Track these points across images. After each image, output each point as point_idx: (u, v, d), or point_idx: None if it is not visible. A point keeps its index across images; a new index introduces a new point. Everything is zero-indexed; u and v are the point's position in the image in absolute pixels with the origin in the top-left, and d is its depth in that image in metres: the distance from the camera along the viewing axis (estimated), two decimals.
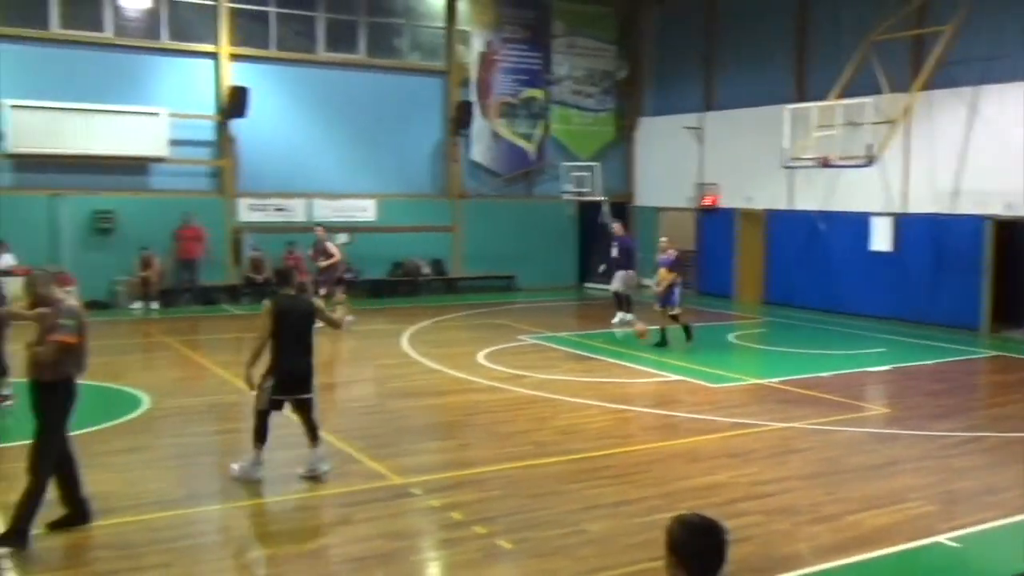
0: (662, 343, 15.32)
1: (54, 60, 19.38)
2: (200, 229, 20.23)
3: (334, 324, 9.05)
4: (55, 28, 19.41)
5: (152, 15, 20.47)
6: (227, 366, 13.41)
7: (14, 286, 13.42)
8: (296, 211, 22.03)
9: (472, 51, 23.86)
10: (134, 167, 20.23)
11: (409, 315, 19.21)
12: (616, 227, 18.70)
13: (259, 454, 8.04)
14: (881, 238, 19.28)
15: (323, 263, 17.74)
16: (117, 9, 20.11)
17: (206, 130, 21.05)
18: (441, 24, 23.65)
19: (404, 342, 15.79)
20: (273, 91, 21.48)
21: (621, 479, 8.29)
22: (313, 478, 8.01)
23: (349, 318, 16.21)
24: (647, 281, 25.36)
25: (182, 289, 20.28)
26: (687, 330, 15.54)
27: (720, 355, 15.40)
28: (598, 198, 24.14)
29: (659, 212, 25.21)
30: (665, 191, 24.85)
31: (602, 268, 19.66)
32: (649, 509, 7.43)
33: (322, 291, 16.74)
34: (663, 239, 16.42)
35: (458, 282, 23.91)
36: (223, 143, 21.12)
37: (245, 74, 21.02)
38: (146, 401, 10.99)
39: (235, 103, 20.49)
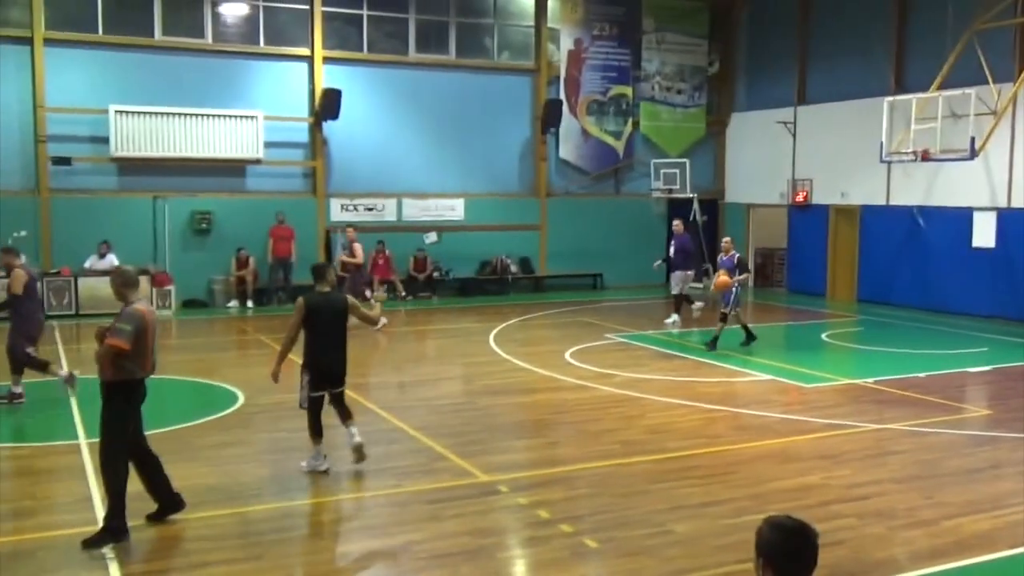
0: (747, 341, 14.97)
1: (156, 66, 20.07)
2: (292, 229, 20.68)
3: (369, 321, 9.15)
4: (158, 35, 20.10)
5: (249, 20, 21.03)
6: None
7: None
8: (386, 211, 22.35)
9: (561, 49, 23.84)
10: (231, 169, 20.82)
11: (497, 313, 19.31)
12: (676, 225, 18.47)
13: (319, 448, 8.27)
14: (983, 234, 18.57)
15: (344, 258, 17.90)
16: (216, 16, 20.73)
17: (299, 132, 21.53)
18: (530, 23, 23.69)
19: (492, 340, 15.87)
20: (364, 93, 21.84)
21: (709, 479, 8.18)
22: (358, 452, 8.15)
23: (383, 320, 16.15)
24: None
25: (275, 288, 20.76)
26: (747, 332, 14.96)
27: (812, 354, 15.06)
28: (687, 195, 23.85)
29: (750, 209, 24.79)
30: (756, 187, 24.42)
31: (657, 263, 19.47)
32: (737, 510, 7.31)
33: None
34: (726, 239, 15.92)
35: (545, 280, 23.92)
36: (316, 144, 21.56)
37: (337, 76, 21.41)
38: (241, 397, 11.28)
39: (328, 105, 20.89)
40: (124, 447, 6.61)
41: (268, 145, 20.80)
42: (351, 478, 8.30)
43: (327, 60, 21.46)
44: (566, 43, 23.83)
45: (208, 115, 20.21)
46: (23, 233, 18.62)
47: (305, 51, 21.32)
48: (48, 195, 19.28)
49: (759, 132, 24.16)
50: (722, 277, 14.65)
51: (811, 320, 18.93)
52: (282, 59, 21.22)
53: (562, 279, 24.03)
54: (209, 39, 20.59)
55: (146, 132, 19.70)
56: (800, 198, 22.68)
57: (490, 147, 23.37)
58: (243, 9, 21.00)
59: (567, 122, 23.84)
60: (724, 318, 14.69)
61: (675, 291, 17.85)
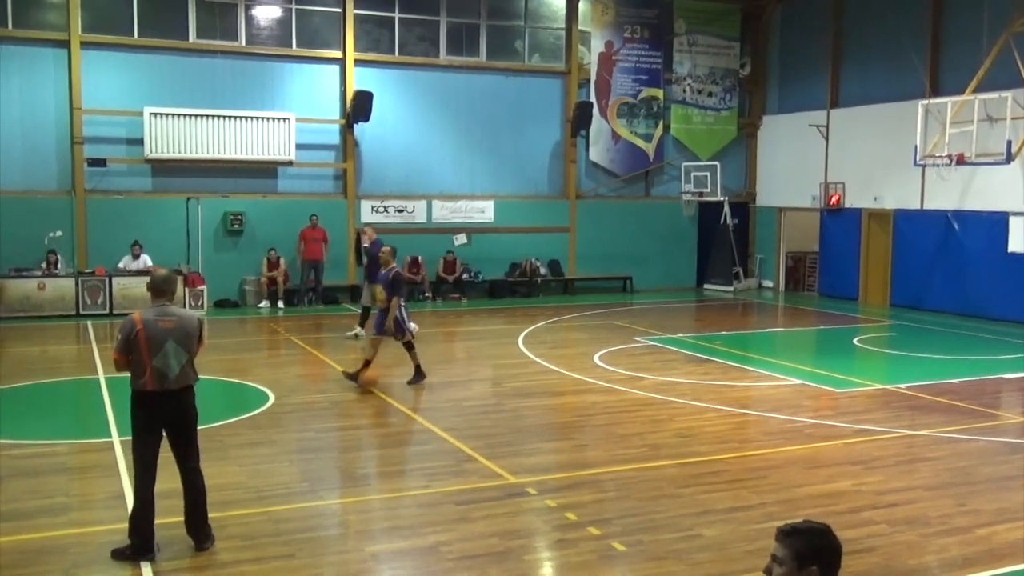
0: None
1: (190, 69, 20.30)
2: (324, 230, 20.81)
3: None
4: (192, 38, 20.31)
5: (282, 24, 21.21)
6: (349, 365, 13.75)
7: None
8: (416, 212, 22.43)
9: (592, 52, 23.82)
10: (263, 170, 20.99)
11: (526, 315, 19.31)
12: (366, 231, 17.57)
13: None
14: (1019, 238, 18.32)
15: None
16: (250, 19, 20.92)
17: (331, 134, 21.67)
18: (561, 25, 23.69)
19: (521, 342, 15.88)
20: (395, 95, 21.95)
21: (738, 484, 8.13)
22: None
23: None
24: (767, 282, 24.90)
25: (306, 289, 20.90)
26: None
27: (844, 359, 14.92)
28: (718, 198, 23.75)
29: (781, 212, 24.64)
30: (787, 191, 24.26)
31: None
32: (766, 515, 7.26)
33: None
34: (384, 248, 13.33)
35: (575, 283, 23.90)
36: (347, 146, 21.69)
37: (369, 79, 21.53)
38: (271, 397, 11.37)
39: (359, 107, 21.01)
40: (144, 459, 6.34)
41: (300, 147, 20.97)
42: (381, 478, 8.34)
43: (359, 63, 21.59)
44: (597, 45, 23.80)
45: (241, 117, 20.40)
46: (59, 233, 18.91)
47: (337, 54, 21.45)
48: (84, 196, 19.54)
49: (791, 135, 24.00)
50: (380, 291, 12.40)
51: (843, 324, 18.77)
52: (314, 62, 21.38)
53: (591, 282, 24.00)
54: (243, 42, 20.78)
55: (180, 134, 19.92)
56: (833, 202, 22.49)
57: (520, 149, 23.40)
58: (276, 12, 21.18)
59: (597, 124, 23.81)
60: (409, 345, 12.42)
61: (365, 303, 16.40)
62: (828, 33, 22.99)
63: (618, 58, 24.00)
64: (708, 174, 23.62)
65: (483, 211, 23.04)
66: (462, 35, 22.91)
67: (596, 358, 14.20)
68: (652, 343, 15.84)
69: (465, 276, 22.47)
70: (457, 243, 22.52)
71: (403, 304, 12.35)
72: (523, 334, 16.72)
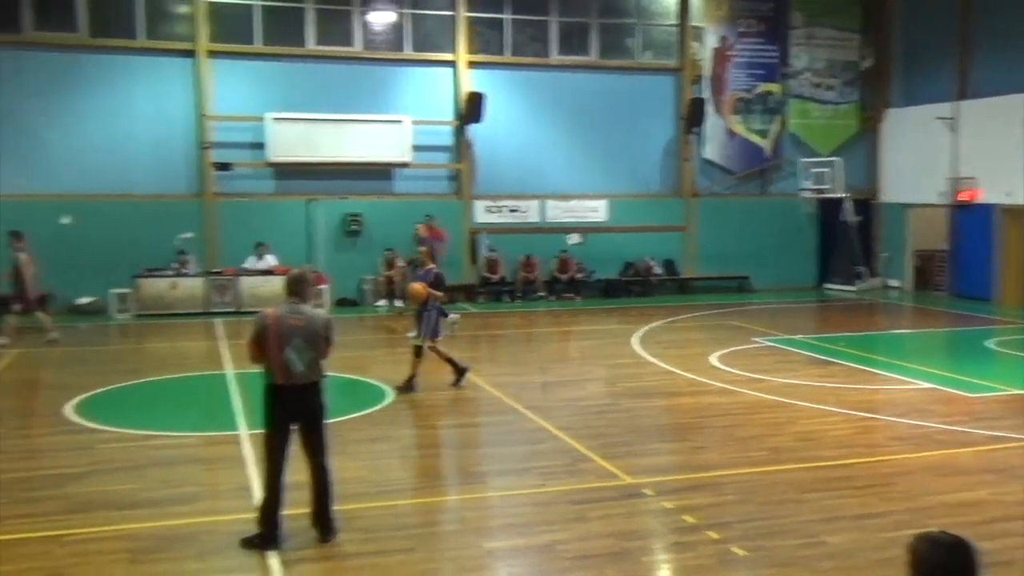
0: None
1: (309, 75, 20.87)
2: (440, 231, 21.07)
3: None
4: (311, 45, 20.89)
5: (396, 28, 21.59)
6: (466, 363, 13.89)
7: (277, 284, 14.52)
8: (529, 212, 22.51)
9: (706, 47, 23.44)
10: (380, 172, 21.42)
11: (641, 315, 19.13)
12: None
13: None
14: None
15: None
16: (365, 25, 21.38)
17: (445, 135, 21.94)
18: (674, 22, 23.39)
19: (635, 342, 15.74)
20: (507, 96, 22.07)
21: (865, 491, 7.85)
22: None
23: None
24: (893, 282, 24.01)
25: None
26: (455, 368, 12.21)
27: (977, 362, 14.26)
28: (839, 195, 23.03)
29: (906, 209, 23.71)
30: (914, 186, 23.32)
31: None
32: (895, 524, 6.98)
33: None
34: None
35: (690, 282, 23.56)
36: (461, 147, 21.93)
37: (481, 80, 21.72)
38: (390, 394, 11.56)
39: (472, 109, 21.21)
40: (273, 451, 6.54)
41: (415, 149, 21.30)
42: (496, 476, 8.38)
43: (471, 64, 21.80)
44: (711, 41, 23.41)
45: (358, 120, 20.87)
46: (189, 235, 19.70)
47: (450, 56, 21.71)
48: (212, 199, 20.31)
49: (916, 128, 23.06)
50: (415, 285, 12.00)
51: (976, 326, 17.95)
52: (428, 65, 21.69)
53: (707, 281, 23.61)
54: (359, 47, 21.25)
55: (300, 138, 20.50)
56: (968, 197, 21.45)
57: (633, 148, 23.21)
58: (390, 17, 21.57)
59: (712, 121, 23.41)
60: (418, 351, 11.91)
61: None
62: (956, 21, 21.99)
63: (733, 53, 23.54)
64: (828, 170, 22.92)
65: (596, 210, 22.94)
66: (573, 34, 22.86)
67: (713, 359, 13.96)
68: (771, 344, 15.48)
69: (579, 275, 22.42)
70: (571, 242, 22.49)
71: (437, 307, 12.04)
72: (638, 334, 16.57)
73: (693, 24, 23.28)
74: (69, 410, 10.56)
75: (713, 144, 23.66)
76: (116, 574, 6.04)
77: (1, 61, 19.23)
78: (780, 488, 7.91)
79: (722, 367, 13.33)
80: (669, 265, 23.49)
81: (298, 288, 6.72)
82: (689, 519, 7.12)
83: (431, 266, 12.14)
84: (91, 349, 15.77)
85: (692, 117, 22.96)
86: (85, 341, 16.55)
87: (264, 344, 6.50)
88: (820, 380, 12.45)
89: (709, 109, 23.26)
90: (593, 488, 7.89)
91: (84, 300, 19.22)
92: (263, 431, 6.63)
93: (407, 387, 11.61)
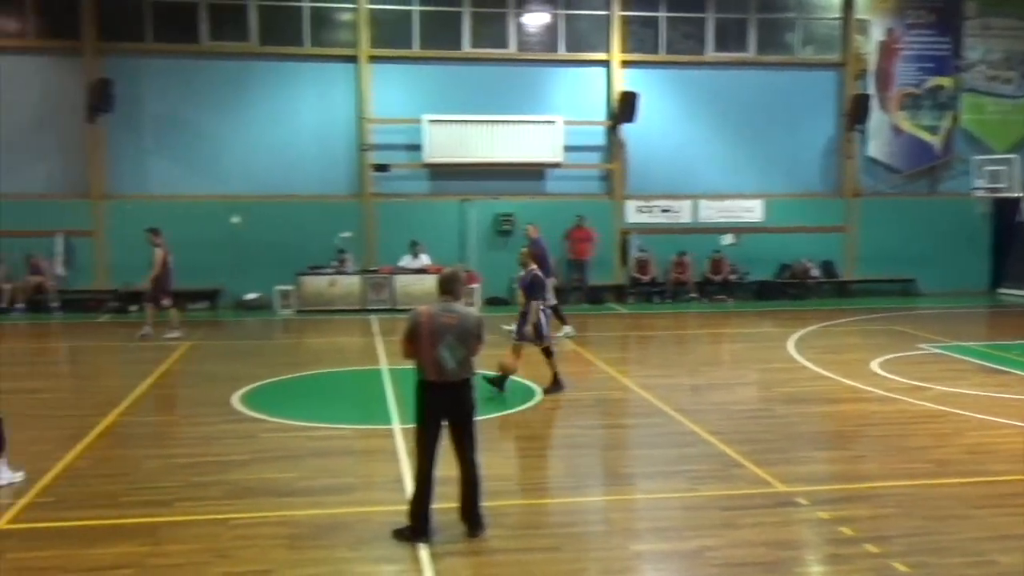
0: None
1: (464, 77, 21.26)
2: (591, 231, 21.07)
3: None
4: (466, 48, 21.28)
5: (550, 29, 21.70)
6: (614, 363, 13.84)
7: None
8: (681, 212, 22.19)
9: (871, 40, 22.51)
10: (532, 172, 21.58)
11: (797, 318, 18.54)
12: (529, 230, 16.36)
13: None
14: None
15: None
16: (520, 26, 21.59)
17: (597, 136, 21.90)
18: (837, 15, 22.56)
19: (791, 346, 15.26)
20: (661, 94, 21.82)
21: None
22: None
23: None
24: None
25: (572, 288, 21.24)
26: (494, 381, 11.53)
27: None
28: (1016, 194, 21.64)
29: None
30: None
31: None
32: None
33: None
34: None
35: (850, 285, 22.67)
36: (613, 147, 21.84)
37: (635, 79, 21.56)
38: (538, 393, 11.62)
39: (625, 108, 21.09)
40: (424, 446, 6.65)
41: (567, 149, 21.36)
42: (644, 478, 8.29)
43: (625, 64, 21.67)
44: (877, 33, 22.46)
45: (511, 121, 21.10)
46: (348, 234, 20.41)
47: (603, 56, 21.65)
48: (370, 199, 20.98)
49: None
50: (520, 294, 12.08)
51: None
52: (581, 65, 21.71)
53: (869, 284, 22.67)
54: (512, 49, 21.48)
55: (455, 139, 20.91)
56: None
57: (792, 146, 22.52)
58: (544, 19, 21.70)
59: (877, 117, 22.46)
60: (547, 352, 11.80)
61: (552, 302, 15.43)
62: None
63: (900, 46, 22.51)
64: (1004, 168, 21.58)
65: (751, 210, 22.38)
66: (730, 31, 22.38)
67: (874, 365, 13.37)
68: (938, 351, 14.69)
69: (732, 277, 21.94)
70: (724, 243, 22.03)
71: (543, 308, 11.87)
72: (794, 338, 16.07)
73: (858, 17, 22.40)
74: (235, 400, 11.12)
75: (877, 141, 22.69)
76: (276, 558, 6.31)
77: (180, 70, 20.49)
78: (945, 503, 7.49)
79: (884, 374, 12.75)
80: (827, 267, 22.67)
81: (451, 287, 6.82)
82: (846, 531, 6.84)
83: (532, 267, 12.01)
84: (256, 343, 16.56)
85: (855, 114, 22.08)
86: (250, 335, 17.39)
87: (417, 341, 6.62)
88: (992, 390, 11.72)
89: (874, 105, 22.32)
90: (744, 495, 7.69)
91: (250, 296, 20.24)
92: (415, 426, 6.77)
93: (553, 387, 11.59)
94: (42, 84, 20.20)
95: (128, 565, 6.15)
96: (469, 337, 6.70)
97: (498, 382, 11.32)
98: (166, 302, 16.28)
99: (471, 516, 6.76)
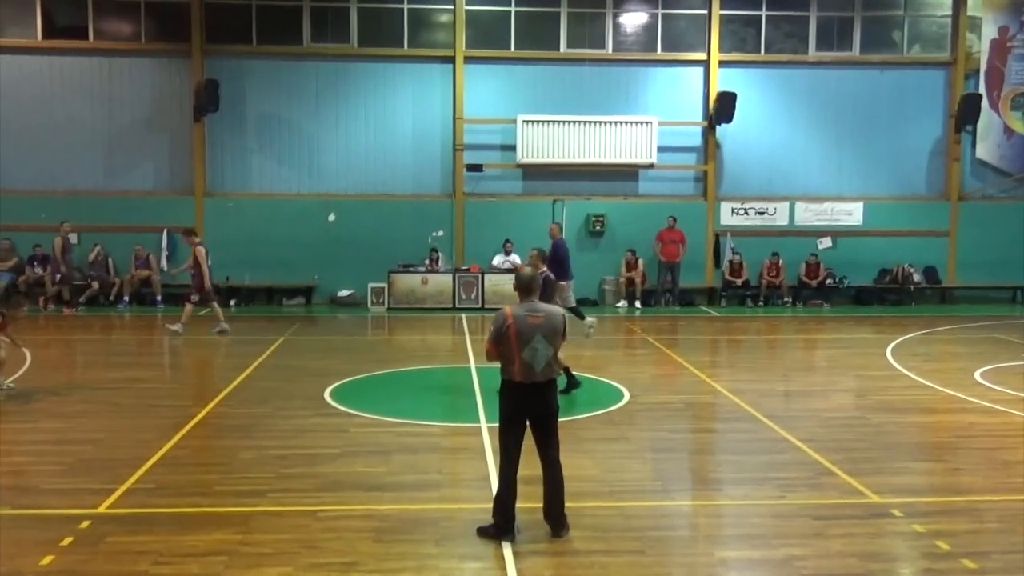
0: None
1: (560, 77, 21.27)
2: (683, 232, 20.84)
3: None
4: (563, 48, 21.30)
5: (648, 29, 21.55)
6: (703, 367, 13.66)
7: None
8: (777, 214, 21.77)
9: (982, 39, 21.69)
10: (625, 173, 21.46)
11: (895, 325, 18.00)
12: (553, 229, 15.66)
13: None
14: None
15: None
16: (617, 26, 21.49)
17: (692, 136, 21.65)
18: (946, 12, 21.83)
19: (889, 353, 14.82)
20: (760, 94, 21.46)
21: None
22: None
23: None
24: None
25: (663, 290, 21.04)
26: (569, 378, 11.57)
27: None
28: None
29: None
30: None
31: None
32: None
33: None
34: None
35: (954, 291, 21.91)
36: (708, 148, 21.55)
37: (733, 79, 21.24)
38: (626, 395, 11.55)
39: (722, 108, 20.80)
40: (508, 446, 6.66)
41: (661, 150, 21.19)
42: (732, 484, 8.15)
43: (723, 63, 21.37)
44: (988, 31, 21.64)
45: (605, 122, 21.02)
46: (440, 233, 20.65)
47: (701, 55, 21.39)
48: (462, 199, 21.17)
49: None
50: None
51: None
52: (678, 64, 21.50)
53: (974, 291, 21.87)
54: (609, 49, 21.39)
55: (548, 140, 20.94)
56: None
57: (895, 147, 21.88)
58: (642, 18, 21.56)
59: (987, 118, 21.65)
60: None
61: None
62: None
63: (1014, 44, 21.64)
64: None
65: (851, 213, 21.82)
66: (833, 29, 21.85)
67: (977, 375, 12.87)
68: None
69: (829, 281, 21.43)
70: (821, 246, 21.54)
71: None
72: (892, 345, 15.59)
73: (969, 14, 21.61)
74: (327, 395, 11.35)
75: (987, 143, 21.87)
76: (362, 550, 6.41)
77: (281, 71, 21.03)
78: None
79: (987, 384, 12.27)
80: (930, 273, 21.94)
81: (532, 286, 6.83)
82: (943, 545, 6.60)
83: (542, 268, 11.65)
84: (348, 339, 16.87)
85: (964, 114, 21.33)
86: (343, 331, 17.73)
87: (504, 343, 6.62)
88: None
89: (984, 105, 21.49)
90: (836, 504, 7.50)
91: (343, 293, 20.64)
92: (501, 426, 6.79)
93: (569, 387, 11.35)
94: (152, 85, 21.00)
95: (221, 552, 6.33)
96: (555, 336, 6.70)
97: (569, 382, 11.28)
98: (194, 298, 16.59)
99: (555, 516, 6.75)
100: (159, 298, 20.23)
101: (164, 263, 20.67)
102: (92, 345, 16.26)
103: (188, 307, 16.64)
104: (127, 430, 9.69)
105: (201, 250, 16.63)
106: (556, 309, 6.99)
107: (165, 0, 20.85)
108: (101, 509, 7.15)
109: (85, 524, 6.80)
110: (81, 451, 8.99)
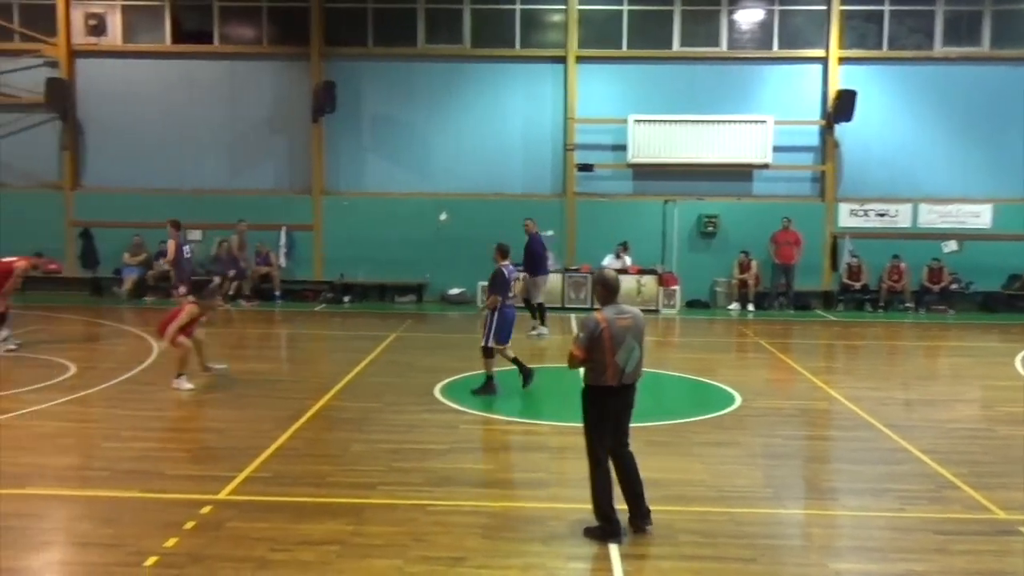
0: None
1: (672, 76, 21.03)
2: (798, 234, 20.33)
3: None
4: (676, 47, 21.04)
5: (764, 26, 21.11)
6: (819, 372, 13.31)
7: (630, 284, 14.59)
8: (899, 216, 21.03)
9: None
10: (738, 173, 21.07)
11: None
12: (527, 224, 15.90)
13: None
14: None
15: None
16: (732, 23, 21.12)
17: (810, 135, 21.11)
18: None
19: (1018, 363, 14.13)
20: (882, 92, 20.78)
21: None
22: None
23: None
24: None
25: (776, 293, 20.57)
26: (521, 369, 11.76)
27: None
28: None
29: None
30: None
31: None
32: None
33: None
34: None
35: None
36: (826, 148, 20.97)
37: (853, 76, 20.63)
38: (737, 399, 11.34)
39: (841, 107, 20.21)
40: (603, 450, 6.68)
41: (776, 149, 20.72)
42: (848, 494, 7.91)
43: (843, 60, 20.76)
44: None
45: (719, 121, 20.68)
46: (550, 233, 20.66)
47: (820, 52, 20.84)
48: (573, 199, 21.15)
49: None
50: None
51: None
52: (795, 62, 20.98)
53: None
54: (724, 47, 21.04)
55: (660, 139, 20.73)
56: None
57: None
58: (758, 15, 21.13)
59: None
60: (486, 351, 11.50)
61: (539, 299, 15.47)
62: None
63: None
64: None
65: (978, 215, 20.89)
66: (962, 23, 20.96)
67: None
68: None
69: (953, 286, 20.56)
70: (946, 250, 20.71)
71: (501, 308, 11.41)
72: (1021, 354, 14.86)
73: None
74: (437, 391, 11.51)
75: None
76: (470, 546, 6.47)
77: (396, 72, 21.42)
78: None
79: None
80: None
81: (618, 288, 6.83)
82: None
83: (504, 263, 11.68)
84: (458, 336, 17.02)
85: None
86: (453, 328, 17.93)
87: (596, 348, 6.57)
88: None
89: None
90: (959, 519, 7.19)
91: (454, 291, 20.89)
92: (589, 431, 6.74)
93: (485, 389, 11.32)
94: (273, 87, 21.67)
95: (334, 542, 6.49)
96: (642, 336, 6.75)
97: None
98: (182, 289, 17.10)
99: (641, 506, 6.76)
100: (278, 293, 20.83)
101: (283, 260, 21.29)
102: (214, 338, 16.85)
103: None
104: (247, 420, 10.03)
105: (172, 243, 17.60)
106: (637, 309, 6.97)
107: (286, 5, 21.47)
108: (222, 496, 7.42)
109: (207, 509, 7.07)
110: (204, 439, 9.37)
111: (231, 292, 20.06)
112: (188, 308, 11.73)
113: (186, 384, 11.39)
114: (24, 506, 7.16)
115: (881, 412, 10.79)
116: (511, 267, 11.73)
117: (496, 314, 11.38)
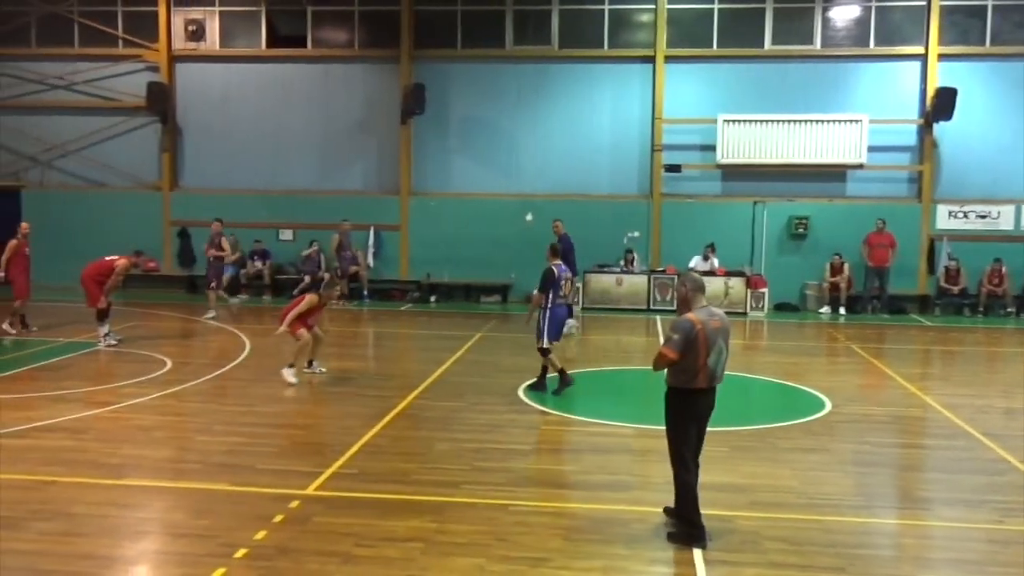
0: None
1: (763, 75, 20.66)
2: (892, 236, 19.76)
3: None
4: (768, 45, 20.66)
5: (860, 23, 20.59)
6: (913, 379, 12.92)
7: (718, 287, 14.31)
8: (1001, 218, 20.26)
9: None
10: (831, 174, 20.58)
11: None
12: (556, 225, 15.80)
13: None
14: None
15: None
16: (826, 20, 20.66)
17: (906, 135, 20.50)
18: None
19: None
20: (985, 90, 20.07)
21: None
22: None
23: None
24: None
25: (870, 296, 20.03)
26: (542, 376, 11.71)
27: None
28: None
29: None
30: None
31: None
32: None
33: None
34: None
35: None
36: (924, 147, 20.34)
37: (954, 74, 19.96)
38: (828, 404, 11.08)
39: (941, 105, 19.58)
40: (688, 453, 6.64)
41: (871, 149, 20.19)
42: (942, 504, 7.65)
43: (942, 57, 20.10)
44: None
45: (811, 120, 20.24)
46: (636, 234, 20.55)
47: (918, 49, 20.22)
48: (659, 199, 20.96)
49: None
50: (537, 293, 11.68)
51: None
52: (892, 59, 20.41)
53: None
54: (817, 45, 20.60)
55: (750, 139, 20.38)
56: None
57: None
58: (854, 12, 20.61)
59: None
60: (543, 352, 11.59)
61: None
62: None
63: None
64: None
65: None
66: None
67: None
68: None
69: None
70: None
71: (549, 306, 11.42)
72: None
73: None
74: (520, 391, 11.53)
75: None
76: (552, 547, 6.47)
77: (484, 74, 21.55)
78: None
79: None
80: None
81: (703, 289, 6.76)
82: None
83: (556, 262, 11.72)
84: None
85: None
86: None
87: (690, 351, 6.50)
88: None
89: None
90: None
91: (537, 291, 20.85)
92: (677, 434, 6.67)
93: (538, 385, 11.55)
94: (364, 89, 22.03)
95: (418, 539, 6.56)
96: (729, 338, 6.72)
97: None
98: (214, 284, 18.37)
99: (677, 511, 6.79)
100: (366, 292, 21.15)
101: (371, 259, 21.61)
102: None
103: (211, 295, 18.37)
104: (334, 417, 10.22)
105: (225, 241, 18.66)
106: (723, 311, 6.87)
107: (377, 9, 21.79)
108: (309, 491, 7.57)
109: (295, 504, 7.22)
110: (293, 435, 9.57)
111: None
112: (308, 298, 12.09)
113: (291, 378, 11.69)
114: (121, 496, 7.42)
115: (979, 420, 10.41)
116: (562, 266, 11.83)
117: (548, 313, 11.52)
